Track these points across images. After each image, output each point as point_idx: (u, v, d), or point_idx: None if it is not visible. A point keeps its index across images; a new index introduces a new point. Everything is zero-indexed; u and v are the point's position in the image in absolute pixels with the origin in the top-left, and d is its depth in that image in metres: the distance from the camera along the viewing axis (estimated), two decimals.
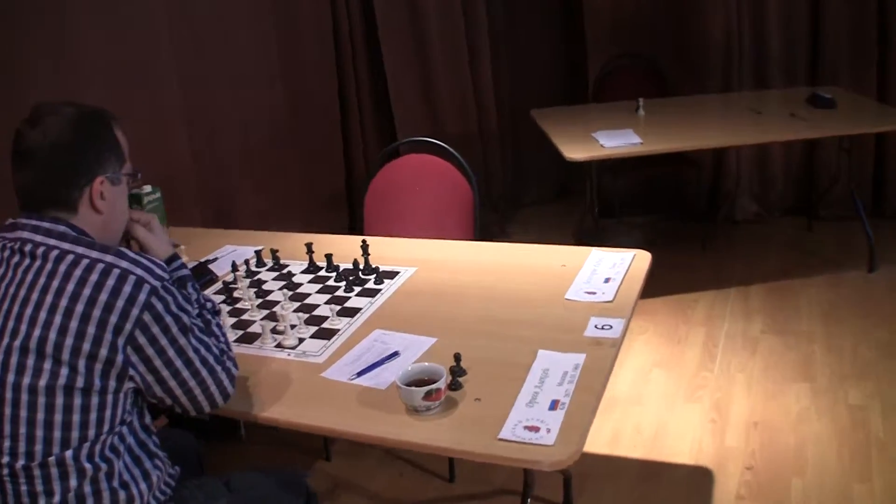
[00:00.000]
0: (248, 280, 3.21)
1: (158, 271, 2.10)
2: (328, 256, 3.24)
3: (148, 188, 3.64)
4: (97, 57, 4.18)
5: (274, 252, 3.41)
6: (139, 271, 2.05)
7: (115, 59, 4.30)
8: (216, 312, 2.45)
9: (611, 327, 2.55)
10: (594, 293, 2.78)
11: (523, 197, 7.25)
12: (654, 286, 5.45)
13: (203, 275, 3.26)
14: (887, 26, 6.22)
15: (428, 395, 2.15)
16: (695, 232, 6.41)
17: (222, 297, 3.11)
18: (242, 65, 5.16)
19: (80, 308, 1.99)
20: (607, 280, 2.87)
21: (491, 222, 6.65)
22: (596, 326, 2.56)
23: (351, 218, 5.95)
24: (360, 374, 2.44)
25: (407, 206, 4.14)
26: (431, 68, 6.28)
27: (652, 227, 6.78)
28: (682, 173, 6.49)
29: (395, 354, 2.52)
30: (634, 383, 4.58)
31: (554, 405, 2.17)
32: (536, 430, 2.07)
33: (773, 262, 5.98)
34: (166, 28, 4.61)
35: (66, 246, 2.08)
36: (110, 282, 2.02)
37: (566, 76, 7.22)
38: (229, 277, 3.28)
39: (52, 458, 2.02)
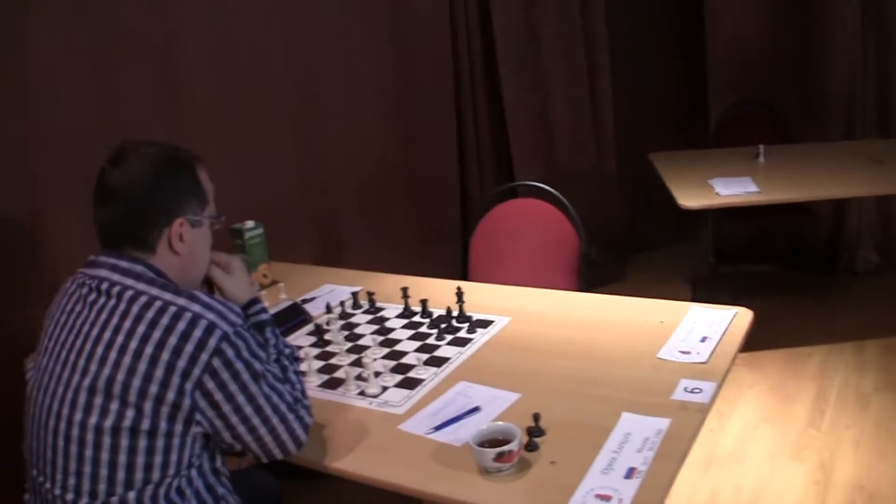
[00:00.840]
0: (340, 322, 3.15)
1: (231, 316, 2.06)
2: (423, 302, 3.17)
3: (250, 223, 3.63)
4: (208, 99, 4.22)
5: (370, 294, 3.34)
6: (211, 315, 2.02)
7: (227, 87, 4.33)
8: (295, 359, 2.40)
9: (700, 391, 2.41)
10: (688, 353, 2.65)
11: (642, 239, 7.10)
12: (767, 338, 5.35)
13: (296, 315, 3.22)
14: None
15: (500, 457, 2.06)
16: (812, 283, 6.22)
17: (313, 339, 3.06)
18: (357, 95, 5.16)
19: (149, 350, 1.96)
20: (704, 339, 2.74)
21: (609, 263, 6.52)
22: (685, 389, 2.43)
23: (464, 258, 5.88)
24: (437, 428, 2.36)
25: (512, 251, 4.07)
26: (550, 104, 6.19)
27: (769, 277, 6.57)
28: (801, 222, 6.26)
29: (476, 410, 2.43)
30: (739, 439, 4.41)
31: (630, 473, 2.05)
32: (608, 498, 1.96)
33: (891, 315, 5.71)
34: (282, 57, 4.63)
35: (141, 286, 2.06)
36: (181, 325, 1.98)
37: (686, 118, 7.05)
38: (322, 319, 3.22)
39: (114, 498, 1.99)
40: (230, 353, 2.01)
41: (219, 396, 2.01)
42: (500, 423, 2.18)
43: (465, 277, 4.14)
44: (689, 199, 4.69)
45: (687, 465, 3.88)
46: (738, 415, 4.62)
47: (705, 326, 2.83)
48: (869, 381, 4.89)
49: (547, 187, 4.10)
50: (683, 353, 2.65)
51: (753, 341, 5.28)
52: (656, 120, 6.94)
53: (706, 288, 5.85)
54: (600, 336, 2.87)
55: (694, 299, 5.87)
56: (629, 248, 6.96)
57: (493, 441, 2.12)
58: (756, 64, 6.40)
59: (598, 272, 6.33)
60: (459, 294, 3.10)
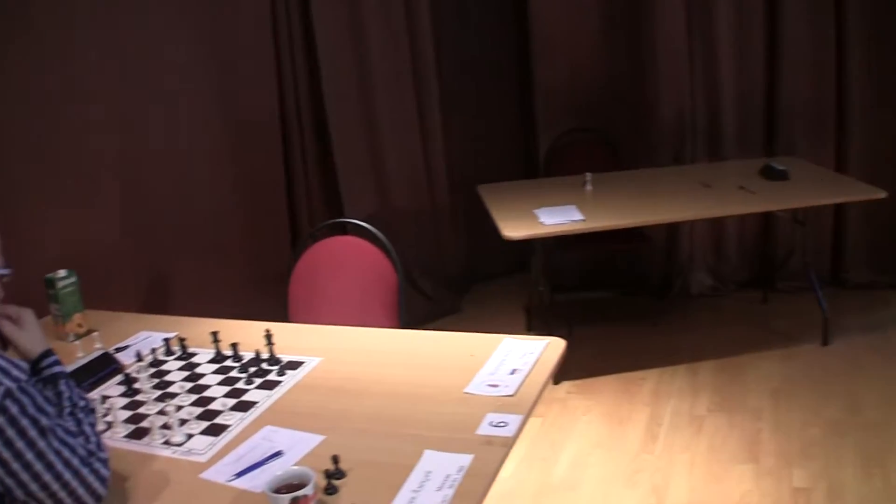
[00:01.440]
0: (150, 371, 3.08)
1: (15, 372, 1.98)
2: (234, 346, 3.11)
3: (63, 272, 3.53)
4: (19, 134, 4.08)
5: (182, 340, 3.27)
6: None
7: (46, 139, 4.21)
8: (90, 411, 2.32)
9: (506, 424, 2.40)
10: (496, 386, 2.64)
11: (481, 271, 7.11)
12: (602, 364, 5.42)
13: (107, 365, 3.13)
14: (845, 96, 6.25)
15: (295, 502, 2.01)
16: (648, 307, 6.34)
17: (123, 389, 2.98)
18: (183, 138, 5.05)
19: None
20: (513, 371, 2.73)
21: (445, 299, 6.51)
22: (491, 423, 2.42)
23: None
24: (239, 474, 2.30)
25: (330, 290, 4.03)
26: (380, 140, 6.16)
27: (606, 304, 6.67)
28: (637, 248, 6.38)
29: (279, 454, 2.38)
30: (572, 467, 4.44)
31: None
32: None
33: (725, 336, 5.88)
34: (103, 100, 4.51)
35: None
36: None
37: (523, 148, 7.11)
38: (133, 368, 3.14)
39: None
40: (14, 409, 1.93)
41: (7, 454, 1.94)
42: (296, 467, 2.13)
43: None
44: (513, 229, 4.74)
45: (518, 496, 3.90)
46: (571, 442, 4.66)
47: (516, 358, 2.83)
48: (702, 403, 4.99)
49: (362, 223, 4.05)
50: (491, 386, 2.64)
51: (588, 368, 5.39)
52: (493, 151, 6.99)
53: (542, 317, 5.88)
54: (410, 373, 2.85)
55: (529, 329, 5.98)
56: (467, 281, 6.97)
57: (289, 486, 2.07)
58: (587, 91, 6.52)
59: (434, 306, 6.34)
60: (268, 336, 3.05)
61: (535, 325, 6.00)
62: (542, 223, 4.79)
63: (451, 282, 6.67)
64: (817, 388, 5.11)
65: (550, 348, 2.90)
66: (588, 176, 5.58)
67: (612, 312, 6.46)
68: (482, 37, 6.84)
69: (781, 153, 6.28)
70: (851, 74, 6.23)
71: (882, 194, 5.16)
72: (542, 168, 6.48)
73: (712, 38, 6.24)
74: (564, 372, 5.33)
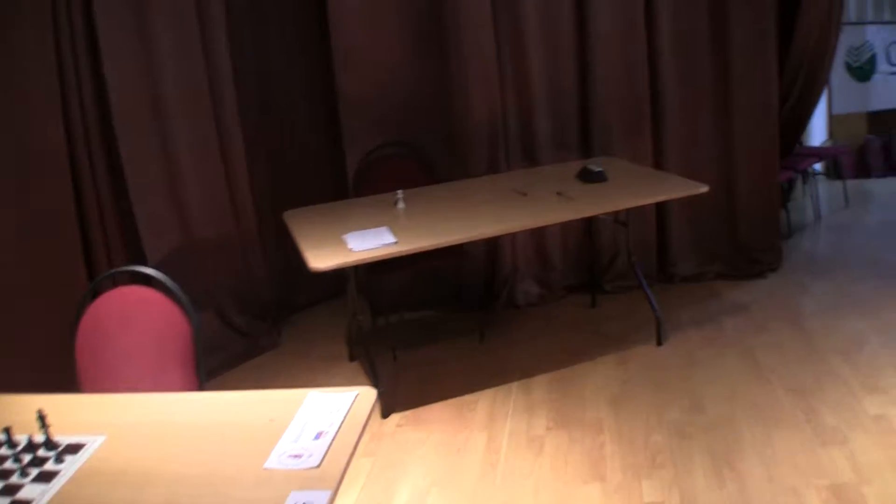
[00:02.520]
0: None
1: None
2: (6, 431, 2.73)
3: None
4: None
5: None
6: None
7: None
8: None
9: None
10: (299, 456, 2.35)
11: (300, 299, 6.78)
12: (432, 390, 5.17)
13: None
14: (659, 93, 6.28)
15: None
16: (475, 323, 6.10)
17: None
18: None
19: None
20: (318, 435, 2.45)
21: (262, 333, 6.16)
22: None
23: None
24: None
25: (119, 351, 3.65)
26: (178, 171, 5.69)
27: (431, 323, 6.40)
28: (457, 263, 6.14)
29: None
30: None
31: None
32: None
33: (556, 346, 5.72)
34: None
35: None
36: None
37: (332, 170, 6.78)
38: None
39: None
40: None
41: None
42: None
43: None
44: (321, 259, 4.43)
45: None
46: (406, 481, 4.39)
47: (323, 417, 2.55)
48: (539, 421, 4.80)
49: (140, 268, 3.70)
50: (294, 457, 2.36)
51: (417, 395, 5.14)
52: (302, 171, 6.64)
53: (365, 344, 5.58)
54: (205, 447, 2.54)
55: (351, 359, 5.70)
56: (285, 311, 6.62)
57: None
58: (394, 103, 6.25)
59: (250, 343, 6.00)
60: (42, 418, 2.68)
61: (358, 354, 5.71)
62: (351, 250, 4.50)
63: (267, 314, 6.32)
64: (657, 390, 5.01)
65: (360, 401, 2.62)
66: (400, 193, 5.33)
67: (437, 332, 6.20)
68: (286, 50, 6.46)
69: (599, 153, 6.21)
70: (664, 71, 6.26)
71: (704, 188, 5.15)
72: (351, 188, 6.17)
73: (521, 41, 6.10)
74: (393, 402, 5.07)
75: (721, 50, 6.33)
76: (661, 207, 6.41)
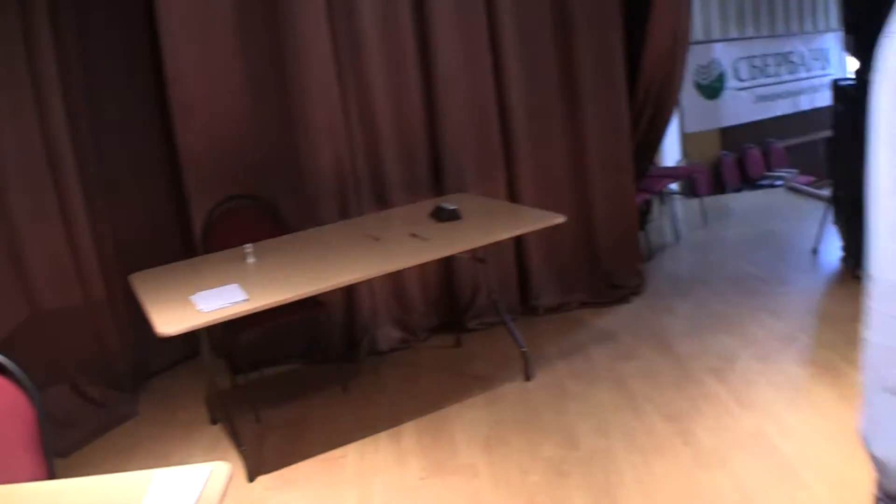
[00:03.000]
0: None
1: None
2: None
3: None
4: None
5: None
6: None
7: None
8: None
9: None
10: None
11: (155, 364, 6.53)
12: (299, 448, 5.02)
13: None
14: (509, 125, 6.33)
15: None
16: (338, 374, 5.99)
17: None
18: None
19: None
20: None
21: (118, 403, 5.92)
22: None
23: None
24: None
25: None
26: (18, 238, 5.45)
27: (293, 378, 6.24)
28: (311, 315, 5.97)
29: None
30: None
31: None
32: None
33: (423, 390, 5.65)
34: None
35: None
36: None
37: (179, 227, 6.56)
38: None
39: None
40: None
41: None
42: None
43: None
44: (169, 323, 4.25)
45: None
46: None
47: (172, 500, 2.37)
48: (412, 471, 4.70)
49: None
50: None
51: (284, 455, 4.98)
52: (149, 229, 6.41)
53: (225, 406, 5.40)
54: None
55: (213, 422, 5.51)
56: (142, 377, 6.37)
57: None
58: (239, 154, 6.09)
59: (106, 414, 5.76)
60: None
61: (219, 416, 5.52)
62: (200, 311, 4.33)
63: (122, 382, 6.08)
64: (529, 428, 4.95)
65: (214, 478, 2.46)
66: (249, 247, 5.18)
67: (300, 387, 6.03)
68: (124, 107, 6.24)
69: (453, 191, 6.18)
70: (512, 103, 6.30)
71: (560, 219, 5.15)
72: (200, 245, 5.97)
73: (365, 82, 6.06)
74: (258, 465, 4.90)
75: (569, 78, 6.41)
76: (519, 240, 6.41)
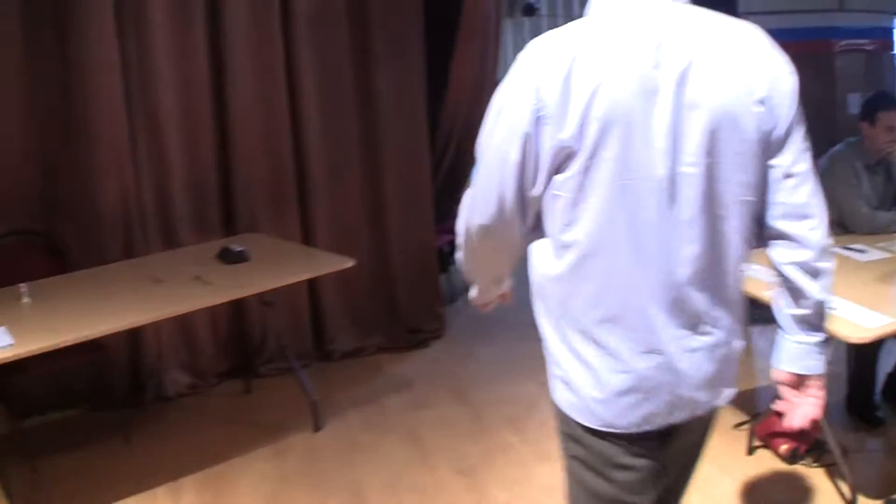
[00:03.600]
0: None
1: None
2: None
3: None
4: None
5: None
6: None
7: None
8: None
9: None
10: None
11: None
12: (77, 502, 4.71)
13: None
14: (305, 165, 6.25)
15: None
16: (121, 421, 5.69)
17: None
18: None
19: None
20: None
21: None
22: None
23: None
24: None
25: None
26: None
27: (73, 425, 5.88)
28: (91, 359, 5.66)
29: None
30: None
31: None
32: None
33: (208, 440, 5.42)
34: None
35: None
36: None
37: None
38: None
39: None
40: None
41: None
42: None
43: None
44: None
45: None
46: None
47: None
48: None
49: None
50: None
51: None
52: None
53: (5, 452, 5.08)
54: None
55: None
56: None
57: None
58: (19, 191, 5.76)
59: None
60: None
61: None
62: None
63: None
64: (315, 483, 4.81)
65: None
66: (24, 287, 4.89)
67: (83, 433, 5.69)
68: None
69: (244, 231, 6.03)
70: (309, 143, 6.23)
71: (349, 263, 5.09)
72: None
73: (155, 116, 5.84)
74: None
75: (369, 117, 6.38)
76: (313, 283, 6.28)
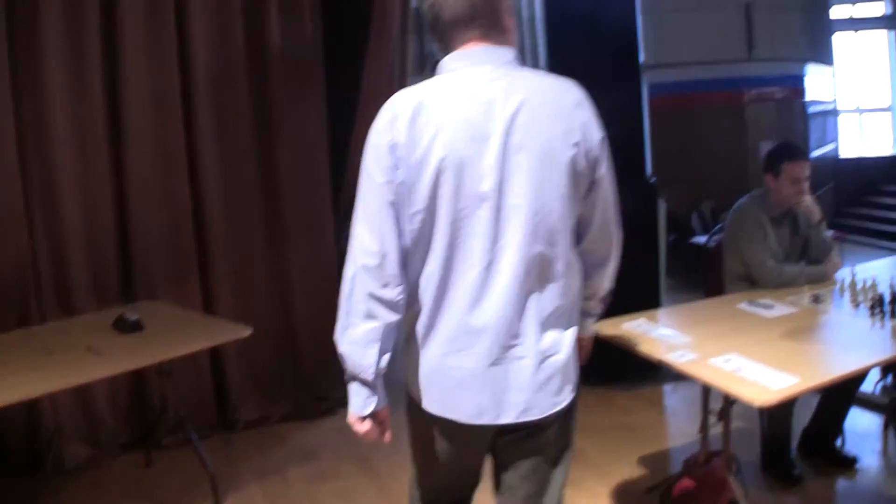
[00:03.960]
0: None
1: None
2: None
3: None
4: None
5: None
6: None
7: None
8: None
9: None
10: None
11: None
12: None
13: None
14: (206, 231, 6.15)
15: None
16: (18, 492, 5.50)
17: None
18: None
19: None
20: None
21: None
22: None
23: None
24: None
25: None
26: None
27: None
28: None
29: None
30: None
31: None
32: None
33: None
34: None
35: None
36: None
37: None
38: None
39: None
40: None
41: None
42: None
43: None
44: None
45: None
46: None
47: None
48: None
49: None
50: None
51: None
52: None
53: None
54: None
55: None
56: None
57: None
58: None
59: None
60: None
61: None
62: None
63: None
64: None
65: None
66: None
67: None
68: None
69: (144, 296, 5.88)
70: (210, 207, 6.14)
71: (246, 332, 4.97)
72: None
73: (52, 177, 5.70)
74: None
75: (271, 183, 6.35)
76: (216, 349, 6.12)
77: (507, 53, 2.82)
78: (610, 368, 5.78)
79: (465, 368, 2.78)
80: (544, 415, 2.84)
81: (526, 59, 7.13)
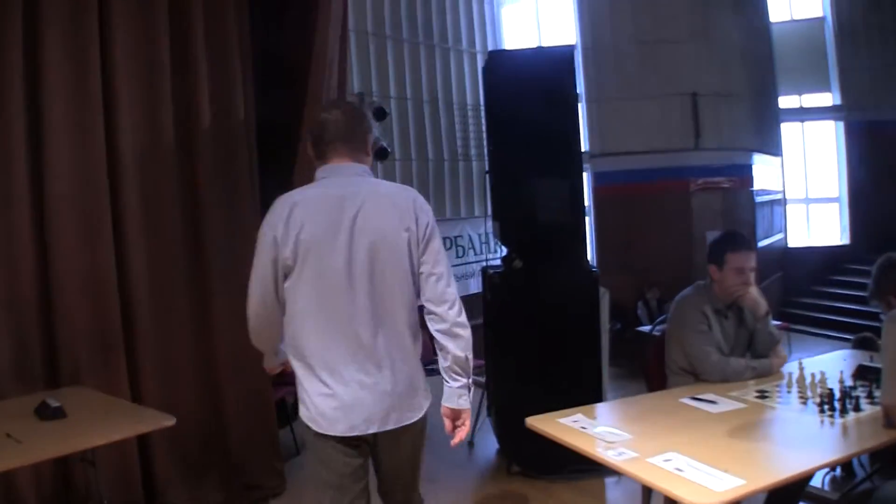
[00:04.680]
0: None
1: None
2: None
3: None
4: None
5: None
6: None
7: None
8: None
9: None
10: None
11: None
12: None
13: None
14: (131, 314, 6.06)
15: None
16: None
17: None
18: None
19: None
20: None
21: None
22: None
23: None
24: None
25: None
26: None
27: None
28: None
29: None
30: None
31: None
32: None
33: None
34: None
35: None
36: None
37: None
38: None
39: None
40: None
41: None
42: None
43: None
44: None
45: None
46: None
47: None
48: None
49: None
50: None
51: None
52: None
53: None
54: None
55: None
56: None
57: None
58: None
59: None
60: None
61: None
62: None
63: None
64: None
65: None
66: None
67: None
68: None
69: (68, 381, 5.76)
70: (134, 289, 6.07)
71: (170, 422, 4.89)
72: None
73: None
74: None
75: (198, 264, 6.31)
76: (143, 435, 5.93)
77: (362, 168, 3.94)
78: (550, 460, 5.71)
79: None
80: None
81: (470, 146, 7.17)
